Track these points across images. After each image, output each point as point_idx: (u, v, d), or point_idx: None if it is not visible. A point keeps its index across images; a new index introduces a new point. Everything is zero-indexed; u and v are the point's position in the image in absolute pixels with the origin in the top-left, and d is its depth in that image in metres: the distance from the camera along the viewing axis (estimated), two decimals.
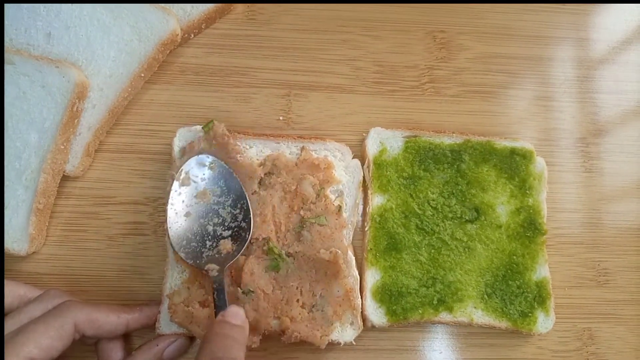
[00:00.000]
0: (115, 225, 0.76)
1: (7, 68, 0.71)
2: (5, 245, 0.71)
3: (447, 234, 0.75)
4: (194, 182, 0.70)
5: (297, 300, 0.70)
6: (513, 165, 0.78)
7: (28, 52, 0.74)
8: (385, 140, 0.78)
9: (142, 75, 0.77)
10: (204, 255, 0.68)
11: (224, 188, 0.71)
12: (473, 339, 0.77)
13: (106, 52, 0.75)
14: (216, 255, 0.68)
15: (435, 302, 0.73)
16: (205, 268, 0.67)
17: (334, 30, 0.84)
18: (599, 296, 0.80)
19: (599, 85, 0.87)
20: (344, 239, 0.72)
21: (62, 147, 0.72)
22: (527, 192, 0.78)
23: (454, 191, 0.77)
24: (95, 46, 0.75)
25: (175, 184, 0.70)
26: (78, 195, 0.76)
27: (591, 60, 0.88)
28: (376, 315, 0.73)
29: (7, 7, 0.74)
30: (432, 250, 0.75)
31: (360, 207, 0.77)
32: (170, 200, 0.69)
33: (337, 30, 0.84)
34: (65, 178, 0.75)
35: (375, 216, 0.75)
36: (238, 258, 0.69)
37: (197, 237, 0.69)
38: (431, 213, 0.76)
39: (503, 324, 0.74)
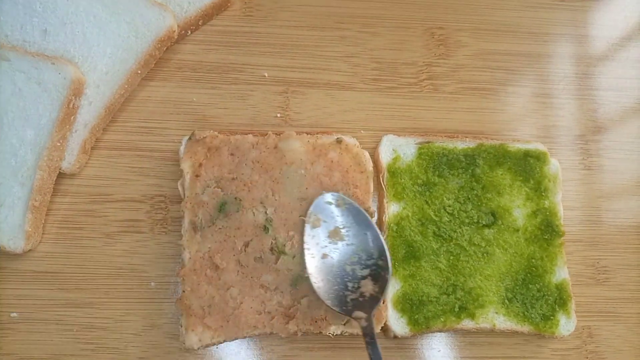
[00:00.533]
0: (111, 222, 0.75)
1: (3, 65, 0.71)
2: (1, 243, 0.70)
3: (465, 240, 0.75)
4: (325, 221, 0.69)
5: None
6: (527, 168, 0.77)
7: (24, 48, 0.73)
8: (398, 148, 0.78)
9: (139, 72, 0.76)
10: (348, 299, 0.66)
11: (354, 224, 0.69)
12: (472, 337, 0.76)
13: (102, 48, 0.75)
14: (360, 299, 0.66)
15: (456, 309, 0.72)
16: (353, 316, 0.65)
17: (331, 26, 0.84)
18: (598, 294, 0.80)
19: (598, 82, 0.87)
20: None
21: (58, 144, 0.72)
22: (543, 194, 0.77)
23: (469, 196, 0.76)
24: (92, 43, 0.74)
25: (307, 228, 0.69)
26: (74, 193, 0.76)
27: (590, 57, 0.88)
28: (398, 325, 0.72)
29: (3, 3, 0.73)
30: (451, 257, 0.74)
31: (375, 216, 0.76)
32: (305, 246, 0.68)
33: (335, 27, 0.84)
34: (61, 175, 0.75)
35: (391, 225, 0.74)
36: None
37: (338, 280, 0.67)
38: (448, 219, 0.75)
39: (525, 328, 0.74)
